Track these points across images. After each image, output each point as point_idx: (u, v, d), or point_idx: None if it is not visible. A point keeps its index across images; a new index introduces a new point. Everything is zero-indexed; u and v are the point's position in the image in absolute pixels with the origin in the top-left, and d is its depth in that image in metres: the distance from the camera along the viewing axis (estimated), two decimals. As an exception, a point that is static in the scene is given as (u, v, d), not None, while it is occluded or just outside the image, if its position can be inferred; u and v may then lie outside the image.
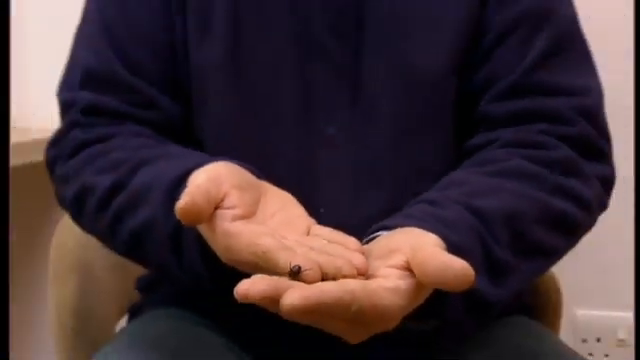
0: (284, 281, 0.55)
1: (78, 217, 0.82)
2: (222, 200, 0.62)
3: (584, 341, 1.31)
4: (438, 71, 0.82)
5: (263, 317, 0.59)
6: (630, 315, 1.30)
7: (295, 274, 0.57)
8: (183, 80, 0.85)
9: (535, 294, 0.95)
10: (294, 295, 0.52)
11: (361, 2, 0.82)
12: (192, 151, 0.79)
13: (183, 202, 0.59)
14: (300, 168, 0.81)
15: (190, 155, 0.76)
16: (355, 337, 0.58)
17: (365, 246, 0.64)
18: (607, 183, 0.82)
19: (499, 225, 0.70)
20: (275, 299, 0.52)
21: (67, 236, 0.98)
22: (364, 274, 0.59)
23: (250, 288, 0.53)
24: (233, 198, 0.62)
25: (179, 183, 0.67)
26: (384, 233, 0.66)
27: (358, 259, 0.60)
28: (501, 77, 0.81)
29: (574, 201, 0.77)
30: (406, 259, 0.59)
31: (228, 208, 0.62)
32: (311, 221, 0.67)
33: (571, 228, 0.77)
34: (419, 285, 0.58)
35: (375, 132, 0.82)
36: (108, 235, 0.78)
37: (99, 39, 0.84)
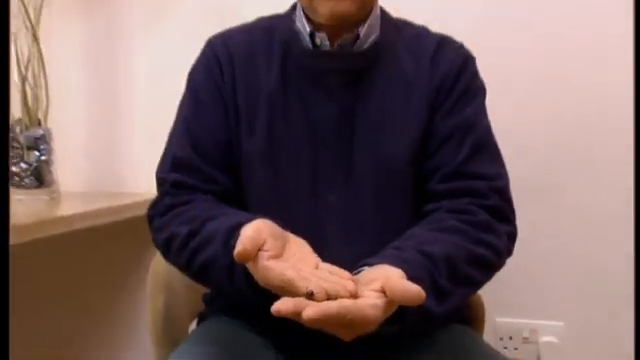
0: (303, 301, 0.56)
1: (167, 254, 0.82)
2: (262, 245, 0.63)
3: (501, 339, 1.29)
4: (401, 161, 0.82)
5: (289, 326, 0.60)
6: (530, 321, 1.30)
7: (310, 296, 0.58)
8: (236, 163, 0.85)
9: (468, 308, 0.94)
10: (310, 310, 0.54)
11: (353, 114, 0.83)
12: (240, 211, 0.79)
13: (239, 249, 0.60)
14: (311, 224, 0.81)
15: (240, 214, 0.76)
16: (348, 337, 0.59)
17: (355, 276, 0.64)
18: (512, 237, 0.82)
19: (441, 264, 0.70)
20: (298, 313, 0.54)
21: (158, 266, 0.98)
22: (354, 295, 0.60)
23: (281, 306, 0.55)
24: (269, 244, 0.63)
25: (232, 233, 0.68)
26: (367, 268, 0.66)
27: (350, 285, 0.61)
28: (444, 166, 0.82)
29: (490, 249, 0.77)
30: (381, 285, 0.59)
31: (265, 251, 0.62)
32: (318, 259, 0.67)
33: (488, 267, 0.77)
34: (390, 302, 0.59)
35: (361, 201, 0.82)
36: (186, 266, 0.78)
37: (183, 137, 0.85)
